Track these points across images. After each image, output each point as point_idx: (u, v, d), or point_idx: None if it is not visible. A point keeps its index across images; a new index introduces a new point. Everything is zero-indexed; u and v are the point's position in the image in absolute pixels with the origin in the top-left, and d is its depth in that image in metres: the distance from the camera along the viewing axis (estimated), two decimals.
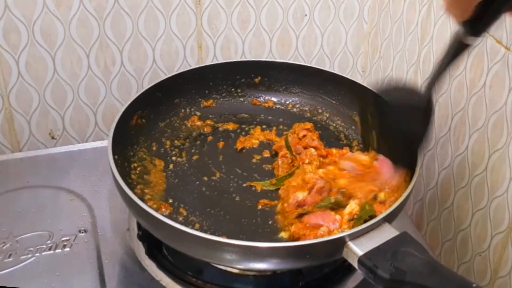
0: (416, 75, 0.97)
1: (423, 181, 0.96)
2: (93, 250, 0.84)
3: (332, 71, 1.03)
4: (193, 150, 0.94)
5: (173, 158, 0.92)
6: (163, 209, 0.82)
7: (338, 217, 0.76)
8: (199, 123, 1.00)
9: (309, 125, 0.98)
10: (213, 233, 0.78)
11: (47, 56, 1.00)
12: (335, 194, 0.80)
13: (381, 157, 0.82)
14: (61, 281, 0.79)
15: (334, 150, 0.91)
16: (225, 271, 0.80)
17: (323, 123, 1.01)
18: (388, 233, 0.70)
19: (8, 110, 1.02)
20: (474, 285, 0.60)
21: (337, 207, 0.78)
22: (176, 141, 0.96)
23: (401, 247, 0.67)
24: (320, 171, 0.84)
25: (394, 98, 0.78)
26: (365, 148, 0.87)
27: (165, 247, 0.82)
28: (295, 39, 1.13)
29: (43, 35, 0.97)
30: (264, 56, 1.13)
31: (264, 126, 1.00)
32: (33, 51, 0.98)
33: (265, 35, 1.11)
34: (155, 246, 0.82)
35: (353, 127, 1.00)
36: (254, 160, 0.93)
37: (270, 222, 0.81)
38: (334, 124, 1.01)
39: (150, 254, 0.82)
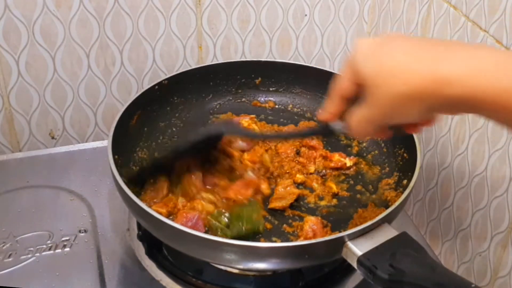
0: None
1: (423, 181, 0.96)
2: (93, 250, 0.84)
3: (332, 71, 1.03)
4: None
5: None
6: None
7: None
8: None
9: (313, 124, 0.98)
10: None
11: (47, 56, 0.99)
12: None
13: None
14: (61, 281, 0.79)
15: (337, 155, 0.92)
16: (225, 271, 0.80)
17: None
18: (387, 233, 0.70)
19: (8, 110, 1.02)
20: (473, 285, 0.60)
21: None
22: None
23: (401, 247, 0.67)
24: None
25: None
26: None
27: (165, 247, 0.82)
28: (295, 39, 1.13)
29: (43, 35, 0.97)
30: (264, 56, 1.13)
31: None
32: (33, 51, 0.98)
33: (265, 35, 1.11)
34: (155, 246, 0.82)
35: None
36: None
37: None
38: None
39: (150, 254, 0.82)
